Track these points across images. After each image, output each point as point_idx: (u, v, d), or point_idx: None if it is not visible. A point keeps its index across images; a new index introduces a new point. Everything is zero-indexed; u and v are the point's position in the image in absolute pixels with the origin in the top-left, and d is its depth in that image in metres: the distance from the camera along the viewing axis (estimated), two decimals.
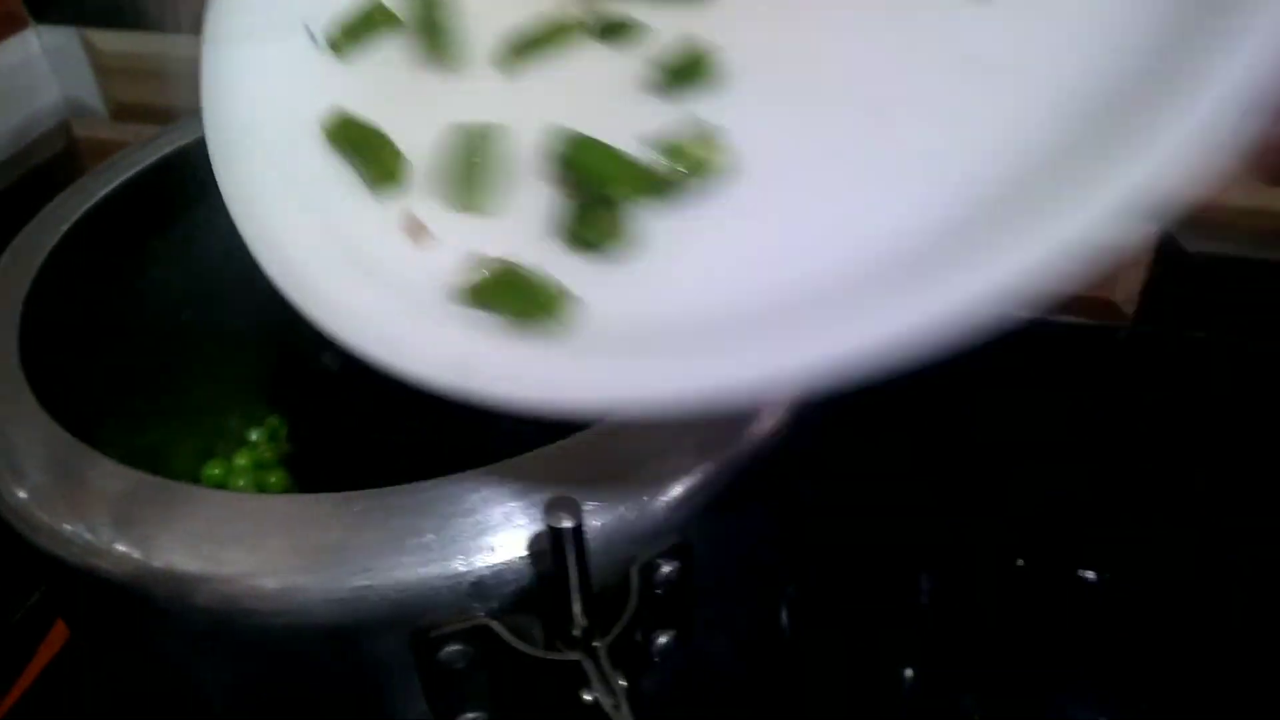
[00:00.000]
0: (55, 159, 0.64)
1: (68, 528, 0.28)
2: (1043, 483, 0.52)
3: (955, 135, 0.22)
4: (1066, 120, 0.21)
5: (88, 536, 0.28)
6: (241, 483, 0.45)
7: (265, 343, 0.48)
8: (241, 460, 0.47)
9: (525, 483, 0.27)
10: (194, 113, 0.42)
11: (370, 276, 0.26)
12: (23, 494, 0.29)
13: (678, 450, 0.28)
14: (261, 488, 0.46)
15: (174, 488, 0.28)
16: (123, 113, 0.64)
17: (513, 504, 0.26)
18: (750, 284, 0.22)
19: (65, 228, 0.36)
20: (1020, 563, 0.50)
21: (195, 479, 0.46)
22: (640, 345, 0.22)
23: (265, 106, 0.30)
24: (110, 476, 0.29)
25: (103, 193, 0.38)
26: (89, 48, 0.62)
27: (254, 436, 0.48)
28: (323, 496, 0.27)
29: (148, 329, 0.42)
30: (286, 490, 0.46)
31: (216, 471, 0.46)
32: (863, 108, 0.24)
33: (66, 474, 0.29)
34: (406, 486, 0.27)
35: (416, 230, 0.27)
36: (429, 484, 0.27)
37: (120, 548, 0.27)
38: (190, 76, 0.61)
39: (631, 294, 0.24)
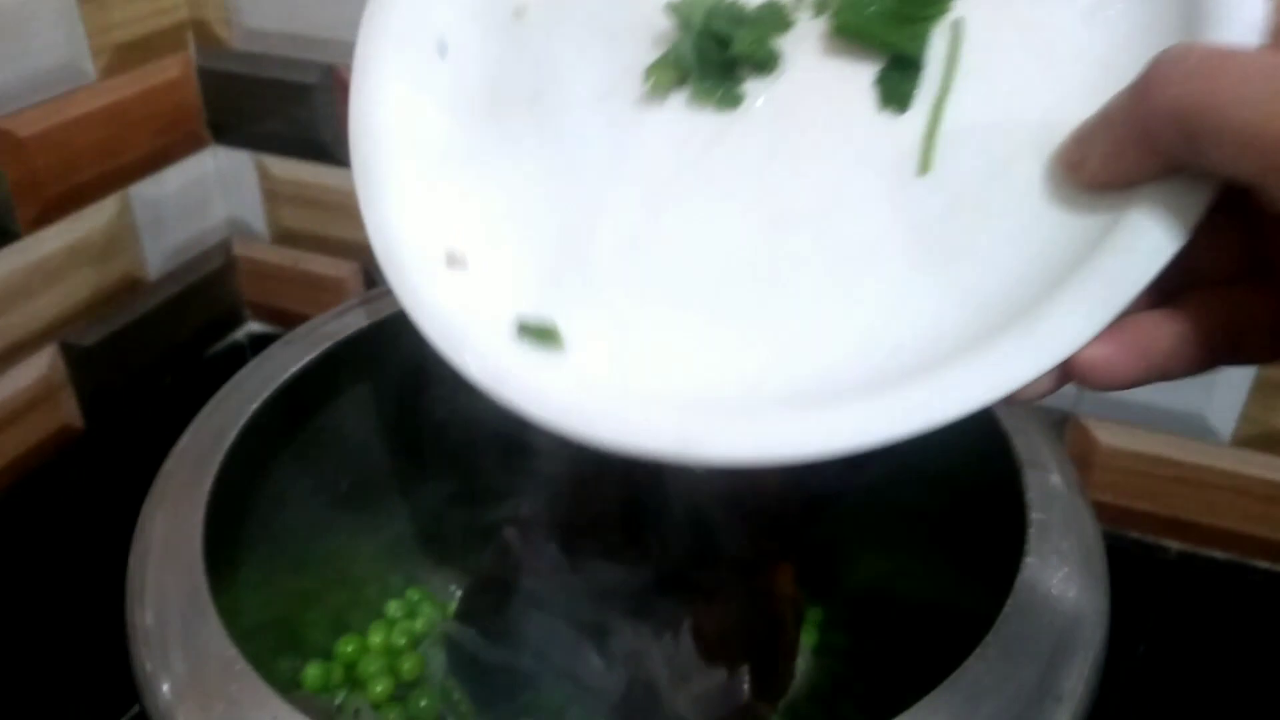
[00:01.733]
0: (215, 274, 0.63)
1: None
2: None
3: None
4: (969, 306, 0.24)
5: None
6: (374, 669, 0.42)
7: (417, 512, 0.45)
8: (376, 638, 0.43)
9: None
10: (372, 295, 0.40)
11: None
12: (166, 690, 0.26)
13: None
14: (395, 674, 0.42)
15: None
16: (283, 238, 0.63)
17: None
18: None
19: (254, 407, 0.34)
20: None
21: (328, 654, 0.43)
22: (815, 400, 0.24)
23: None
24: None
25: (291, 372, 0.36)
26: (261, 172, 0.61)
27: (392, 610, 0.44)
28: None
29: (304, 500, 0.39)
30: (420, 679, 0.43)
31: (349, 649, 0.42)
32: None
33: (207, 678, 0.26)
34: None
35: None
36: None
37: None
38: (346, 208, 0.60)
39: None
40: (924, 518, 0.40)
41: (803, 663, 0.45)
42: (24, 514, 0.51)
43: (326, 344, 0.37)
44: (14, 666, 0.49)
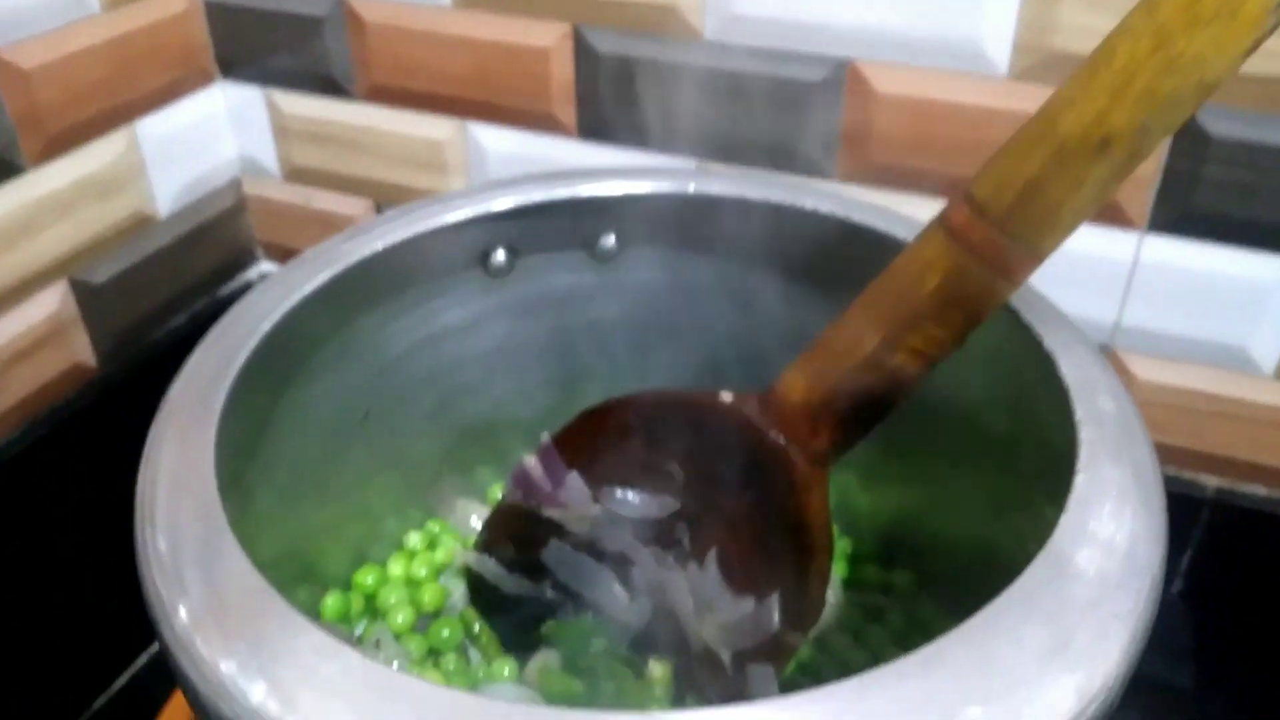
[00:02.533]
0: (226, 212, 0.62)
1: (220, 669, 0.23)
2: None
3: None
4: None
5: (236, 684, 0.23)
6: (394, 599, 0.40)
7: (437, 442, 0.44)
8: (396, 569, 0.42)
9: None
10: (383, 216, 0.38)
11: None
12: (184, 616, 0.25)
13: None
14: (416, 605, 0.41)
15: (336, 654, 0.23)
16: (296, 175, 0.61)
17: None
18: None
19: (266, 328, 0.32)
20: None
21: (347, 585, 0.41)
22: None
23: None
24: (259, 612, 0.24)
25: (304, 291, 0.34)
26: (271, 108, 0.59)
27: (412, 541, 0.43)
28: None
29: (321, 428, 0.38)
30: (441, 611, 0.41)
31: (369, 579, 0.41)
32: None
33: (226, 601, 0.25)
34: None
35: None
36: None
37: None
38: (362, 144, 0.58)
39: None
40: (961, 444, 0.38)
41: (832, 595, 0.43)
42: (38, 453, 0.50)
43: (341, 265, 0.35)
44: (28, 608, 0.48)
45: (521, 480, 0.39)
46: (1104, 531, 0.25)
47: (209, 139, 0.60)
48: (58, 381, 0.53)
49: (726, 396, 0.35)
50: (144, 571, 0.26)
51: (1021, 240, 0.30)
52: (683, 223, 0.40)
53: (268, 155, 0.61)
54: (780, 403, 0.34)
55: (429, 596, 0.41)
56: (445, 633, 0.40)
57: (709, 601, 0.37)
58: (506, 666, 0.39)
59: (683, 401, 0.37)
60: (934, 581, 0.44)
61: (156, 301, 0.58)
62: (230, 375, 0.30)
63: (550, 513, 0.39)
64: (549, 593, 0.40)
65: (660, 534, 0.39)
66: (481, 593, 0.41)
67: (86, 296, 0.54)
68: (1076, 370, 0.31)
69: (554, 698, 0.38)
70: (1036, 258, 0.30)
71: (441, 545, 0.43)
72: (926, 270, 0.31)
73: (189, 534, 0.27)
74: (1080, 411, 0.29)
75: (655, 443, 0.38)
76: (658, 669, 0.38)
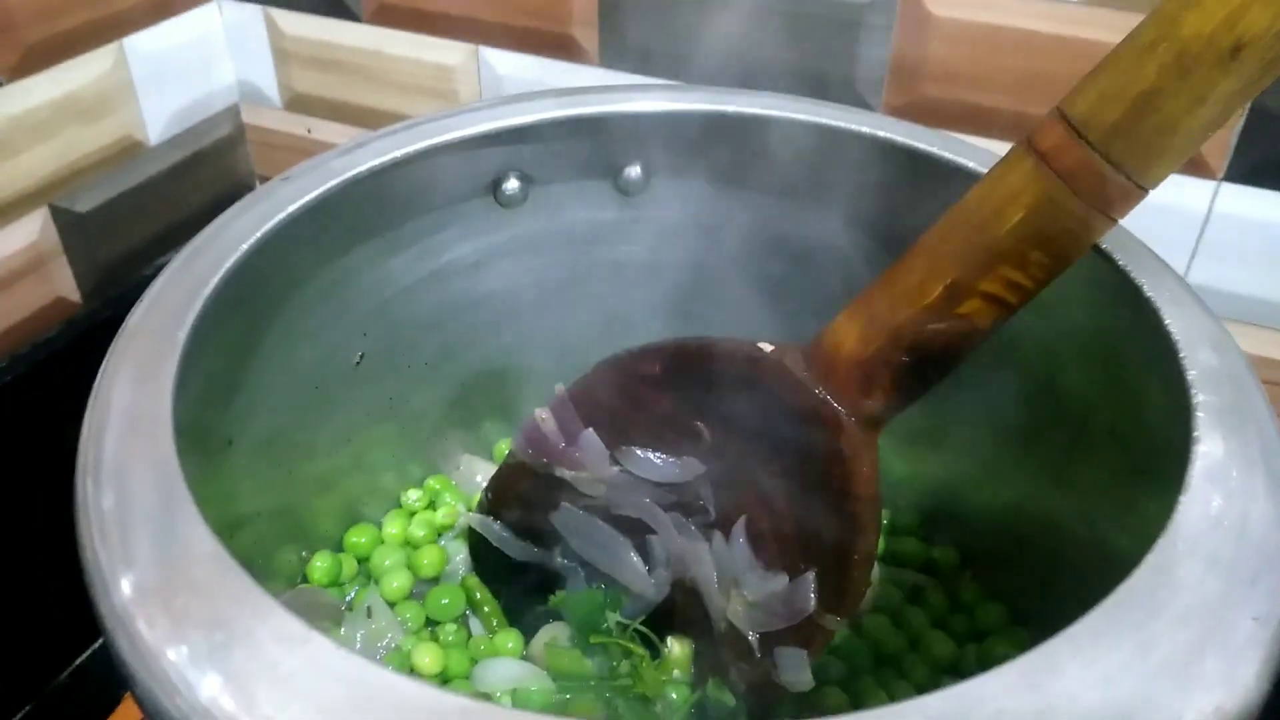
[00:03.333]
0: (222, 141, 0.57)
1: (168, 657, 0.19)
2: None
3: None
4: None
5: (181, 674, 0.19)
6: (389, 562, 0.36)
7: (440, 391, 0.39)
8: (392, 529, 0.37)
9: None
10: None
11: None
12: (126, 590, 0.20)
13: None
14: (413, 569, 0.36)
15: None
16: (296, 103, 0.56)
17: None
18: None
19: (245, 248, 0.27)
20: None
21: (339, 546, 0.37)
22: None
23: None
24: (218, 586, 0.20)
25: (292, 207, 0.29)
26: (271, 28, 0.54)
27: (410, 499, 0.39)
28: None
29: (309, 372, 0.33)
30: (440, 577, 0.37)
31: (362, 540, 0.37)
32: None
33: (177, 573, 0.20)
34: None
35: None
36: None
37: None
38: (368, 70, 0.53)
39: None
40: (1026, 406, 0.34)
41: None
42: (16, 391, 0.45)
43: (334, 181, 0.30)
44: (6, 552, 0.45)
45: (532, 435, 0.34)
46: (1230, 515, 0.21)
47: (204, 61, 0.55)
48: (38, 316, 0.49)
49: (765, 347, 0.31)
50: (82, 535, 0.22)
51: (1124, 167, 0.25)
52: (718, 150, 0.35)
53: (267, 80, 0.56)
54: (828, 355, 0.30)
55: (428, 560, 0.36)
56: (444, 601, 0.35)
57: (735, 577, 0.33)
58: (511, 640, 0.35)
59: (714, 352, 0.32)
60: (979, 560, 0.40)
61: (146, 234, 0.53)
62: (198, 304, 0.26)
63: (562, 473, 0.34)
64: (558, 560, 0.36)
65: (683, 500, 0.34)
66: (485, 558, 0.37)
67: (69, 225, 0.49)
68: (1184, 323, 0.26)
69: (561, 676, 0.34)
70: (1140, 189, 0.25)
71: (443, 505, 0.39)
72: (1008, 203, 0.26)
73: (139, 490, 0.22)
74: (1193, 371, 0.24)
75: (682, 398, 0.33)
76: (677, 648, 0.34)
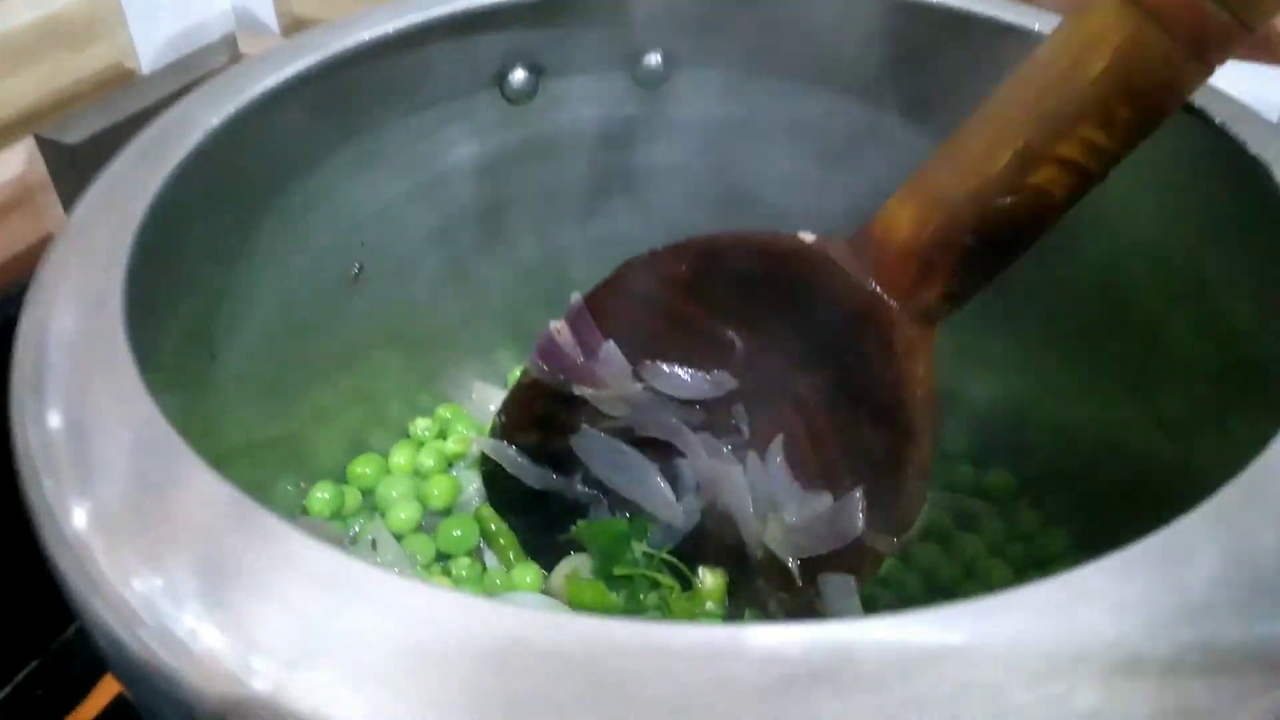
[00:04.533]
0: (218, 73, 0.53)
1: (134, 588, 0.16)
2: None
3: None
4: None
5: (153, 610, 0.15)
6: (395, 492, 0.33)
7: (450, 309, 0.36)
8: (399, 459, 0.34)
9: None
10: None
11: None
12: (81, 520, 0.17)
13: None
14: (423, 500, 0.33)
15: (297, 546, 0.16)
16: (297, 29, 0.53)
17: None
18: None
19: (211, 126, 0.24)
20: None
21: (341, 478, 0.34)
22: None
23: None
24: (201, 506, 0.17)
25: (264, 86, 0.25)
26: None
27: (419, 429, 0.35)
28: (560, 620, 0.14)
29: (301, 284, 0.30)
30: (452, 509, 0.34)
31: (366, 470, 0.34)
32: None
33: (148, 492, 0.17)
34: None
35: None
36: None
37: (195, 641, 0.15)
38: None
39: None
40: (1095, 312, 0.30)
41: None
42: (7, 330, 0.43)
43: (325, 55, 0.26)
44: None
45: (547, 350, 0.31)
46: None
47: None
48: (27, 254, 0.46)
49: (807, 238, 0.27)
50: (21, 462, 0.18)
51: (1227, 2, 0.21)
52: (745, 31, 0.31)
53: (264, 5, 0.53)
54: (879, 243, 0.26)
55: (438, 490, 0.33)
56: (457, 533, 0.32)
57: (773, 500, 0.30)
58: (529, 573, 0.31)
59: (749, 247, 0.28)
60: (1037, 485, 0.36)
61: None
62: (155, 186, 0.22)
63: (582, 391, 0.31)
64: (579, 487, 0.32)
65: (714, 419, 0.31)
66: (500, 487, 0.33)
67: (57, 157, 0.46)
68: None
69: (583, 610, 0.30)
70: (1245, 28, 0.21)
71: (454, 434, 0.36)
72: (1089, 50, 0.22)
73: (94, 405, 0.18)
74: None
75: (711, 303, 0.30)
76: (709, 579, 0.31)
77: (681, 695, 0.14)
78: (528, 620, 0.15)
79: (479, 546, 0.33)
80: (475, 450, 0.34)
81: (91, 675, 0.41)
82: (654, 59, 0.32)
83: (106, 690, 0.40)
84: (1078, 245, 0.29)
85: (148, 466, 0.17)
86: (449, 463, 0.35)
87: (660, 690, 0.14)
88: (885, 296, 0.26)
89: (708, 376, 0.30)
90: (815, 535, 0.29)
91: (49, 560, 0.17)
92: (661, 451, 0.31)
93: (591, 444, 0.32)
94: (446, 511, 0.34)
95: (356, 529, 0.33)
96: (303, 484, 0.33)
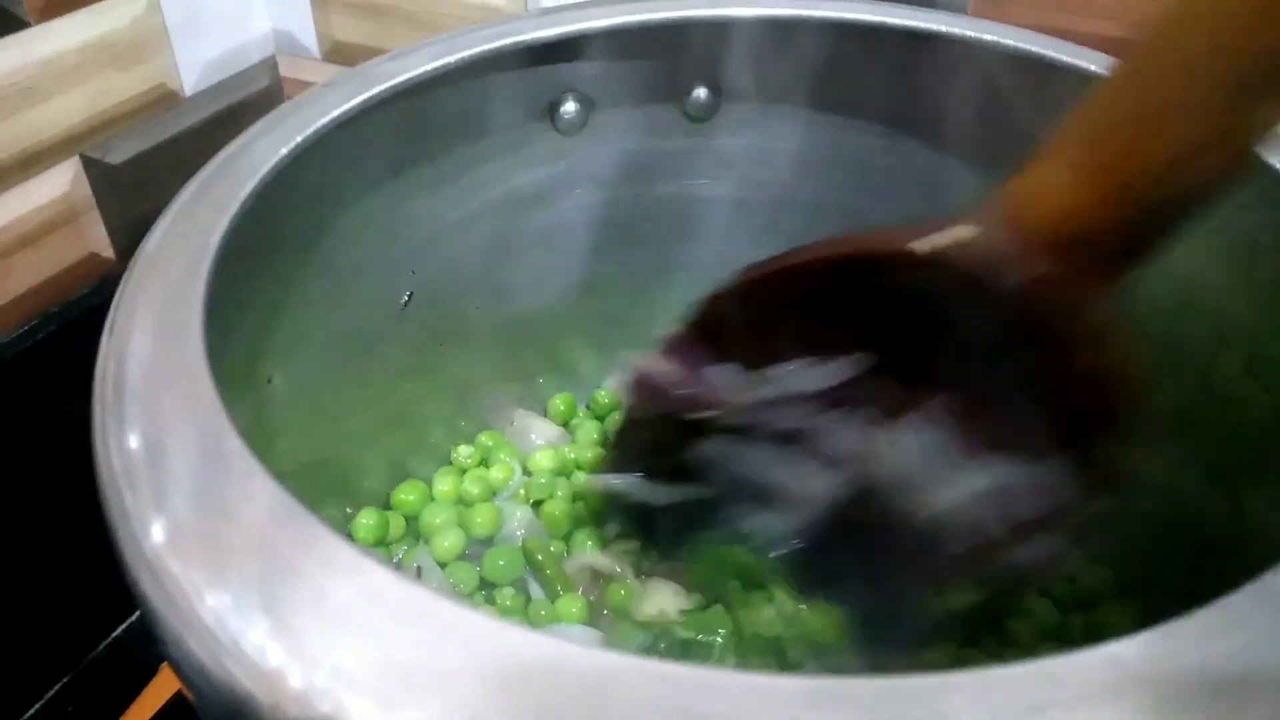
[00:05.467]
0: (259, 94, 0.54)
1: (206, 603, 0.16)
2: None
3: None
4: None
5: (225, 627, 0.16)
6: (439, 519, 0.33)
7: (498, 337, 0.36)
8: (443, 486, 0.34)
9: None
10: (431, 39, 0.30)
11: None
12: (159, 535, 0.17)
13: None
14: (466, 529, 0.33)
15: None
16: (336, 54, 0.53)
17: None
18: None
19: (279, 157, 0.24)
20: None
21: (385, 504, 0.34)
22: None
23: None
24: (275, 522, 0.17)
25: (329, 118, 0.26)
26: None
27: (462, 455, 0.35)
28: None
29: (350, 313, 0.30)
30: (494, 539, 0.34)
31: (410, 497, 0.34)
32: None
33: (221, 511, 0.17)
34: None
35: None
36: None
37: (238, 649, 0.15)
38: (415, 17, 0.50)
39: None
40: (1147, 336, 0.30)
41: None
42: (46, 350, 0.43)
43: (383, 86, 0.26)
44: (38, 515, 0.42)
45: (645, 387, 0.29)
46: None
47: (240, 8, 0.52)
48: (69, 272, 0.46)
49: (923, 230, 0.23)
50: (104, 480, 0.19)
51: None
52: (796, 66, 0.31)
53: (305, 29, 0.53)
54: (1022, 217, 0.21)
55: (481, 519, 0.33)
56: (501, 562, 0.32)
57: (934, 469, 0.25)
58: (574, 605, 0.31)
59: (855, 257, 0.24)
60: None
61: (181, 187, 0.51)
62: (224, 222, 0.22)
63: (695, 415, 0.28)
64: (713, 489, 0.29)
65: (849, 399, 0.27)
66: (624, 512, 0.32)
67: (101, 177, 0.46)
68: None
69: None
70: None
71: (497, 462, 0.36)
72: None
73: (171, 426, 0.19)
74: None
75: (832, 321, 0.26)
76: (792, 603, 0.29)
77: None
78: (610, 664, 0.14)
79: (524, 576, 0.33)
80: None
81: (123, 692, 0.41)
82: (702, 92, 0.33)
83: (140, 710, 0.40)
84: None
85: (221, 485, 0.18)
86: (492, 491, 0.35)
87: None
88: (1047, 284, 0.22)
89: (838, 364, 0.26)
90: (1005, 505, 0.24)
91: (128, 576, 0.18)
92: (792, 440, 0.28)
93: (720, 449, 0.28)
94: (489, 541, 0.34)
95: (400, 555, 0.33)
96: (349, 509, 0.33)
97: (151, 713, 0.39)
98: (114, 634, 0.45)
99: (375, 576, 0.16)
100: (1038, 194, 0.21)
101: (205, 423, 0.19)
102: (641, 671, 0.15)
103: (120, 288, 0.22)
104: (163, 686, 0.40)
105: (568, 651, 0.15)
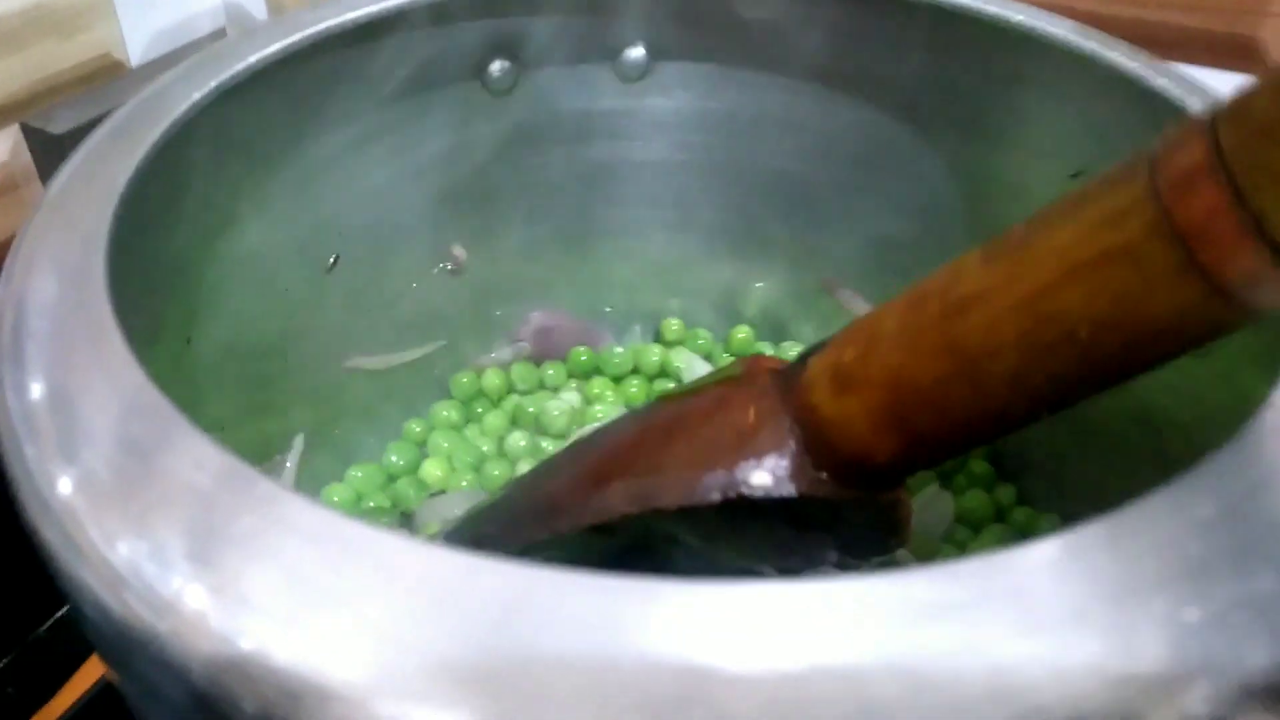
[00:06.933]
0: None
1: (118, 551, 0.15)
2: None
3: None
4: None
5: (140, 573, 0.15)
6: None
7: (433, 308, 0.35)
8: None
9: None
10: None
11: None
12: (66, 486, 0.17)
13: None
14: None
15: (287, 504, 0.15)
16: None
17: None
18: None
19: (191, 102, 0.24)
20: None
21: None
22: None
23: None
24: (196, 467, 0.16)
25: (245, 65, 0.25)
26: None
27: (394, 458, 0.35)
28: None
29: (280, 265, 0.30)
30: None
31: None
32: None
33: (136, 457, 0.17)
34: None
35: None
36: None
37: (182, 603, 0.14)
38: None
39: None
40: None
41: None
42: None
43: (302, 34, 0.26)
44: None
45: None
46: None
47: None
48: (11, 242, 0.45)
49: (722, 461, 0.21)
50: (2, 427, 0.18)
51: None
52: (732, 25, 0.31)
53: (256, 1, 0.52)
54: (822, 440, 0.21)
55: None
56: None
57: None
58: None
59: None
60: (1015, 477, 0.36)
61: None
62: (132, 168, 0.22)
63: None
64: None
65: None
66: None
67: (43, 146, 0.45)
68: None
69: None
70: None
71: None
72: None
73: (77, 377, 0.18)
74: None
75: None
76: None
77: (687, 648, 0.13)
78: (529, 578, 0.14)
79: None
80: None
81: (62, 672, 0.41)
82: (636, 51, 0.32)
83: (77, 686, 0.40)
84: None
85: (136, 432, 0.17)
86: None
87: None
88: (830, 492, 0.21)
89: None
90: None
91: (32, 532, 0.17)
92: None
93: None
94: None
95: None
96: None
97: (86, 687, 0.38)
98: (57, 615, 0.44)
99: (302, 511, 0.15)
100: (835, 421, 0.20)
101: (117, 373, 0.18)
102: (555, 583, 0.14)
103: (22, 230, 0.22)
104: (95, 666, 0.39)
105: (481, 566, 0.14)
